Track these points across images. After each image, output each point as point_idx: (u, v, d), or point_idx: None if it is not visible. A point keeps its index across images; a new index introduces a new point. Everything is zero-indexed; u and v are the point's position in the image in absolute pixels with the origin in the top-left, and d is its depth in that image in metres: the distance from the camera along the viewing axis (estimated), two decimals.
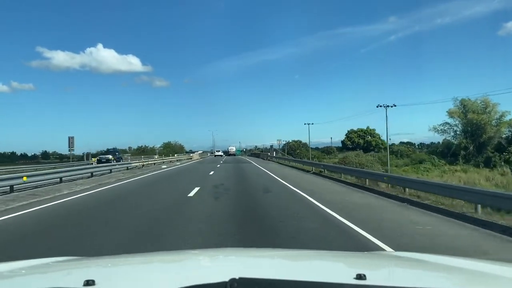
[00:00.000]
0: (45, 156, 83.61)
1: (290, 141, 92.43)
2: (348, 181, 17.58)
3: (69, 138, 33.30)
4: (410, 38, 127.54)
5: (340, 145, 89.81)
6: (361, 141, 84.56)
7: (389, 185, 14.21)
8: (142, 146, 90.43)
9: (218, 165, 35.00)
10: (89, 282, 1.21)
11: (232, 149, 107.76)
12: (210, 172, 25.41)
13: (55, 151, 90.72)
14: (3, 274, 1.64)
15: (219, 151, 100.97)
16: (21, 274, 1.70)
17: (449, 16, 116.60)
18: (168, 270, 1.74)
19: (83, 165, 32.97)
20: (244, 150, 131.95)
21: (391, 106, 41.51)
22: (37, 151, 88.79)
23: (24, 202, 10.86)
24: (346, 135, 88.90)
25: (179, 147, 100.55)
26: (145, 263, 2.00)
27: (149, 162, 37.55)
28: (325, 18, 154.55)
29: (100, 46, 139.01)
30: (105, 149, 47.91)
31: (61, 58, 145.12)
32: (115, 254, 3.39)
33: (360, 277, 1.25)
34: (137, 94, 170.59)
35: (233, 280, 1.06)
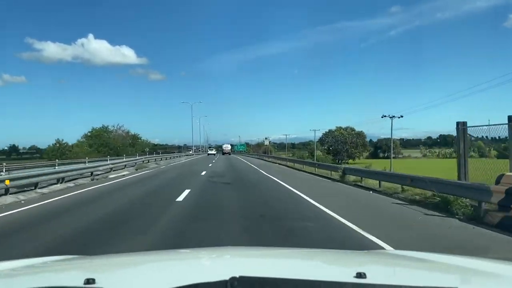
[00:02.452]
0: (14, 150, 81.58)
1: (334, 129, 62.55)
2: None
3: None
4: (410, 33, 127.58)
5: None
6: None
7: None
8: None
9: None
10: (89, 281, 1.21)
11: (227, 147, 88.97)
12: None
13: (33, 145, 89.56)
14: (2, 273, 1.64)
15: (212, 149, 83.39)
16: (21, 273, 1.70)
17: (449, 10, 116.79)
18: (168, 269, 1.74)
19: None
20: (249, 145, 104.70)
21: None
22: (25, 145, 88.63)
23: None
24: None
25: (123, 137, 49.38)
26: (145, 262, 2.01)
27: None
28: (325, 12, 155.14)
29: (91, 36, 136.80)
30: None
31: (52, 49, 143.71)
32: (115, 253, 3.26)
33: (360, 275, 1.25)
34: (132, 87, 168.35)
35: (233, 279, 1.06)
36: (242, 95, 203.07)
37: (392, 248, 5.48)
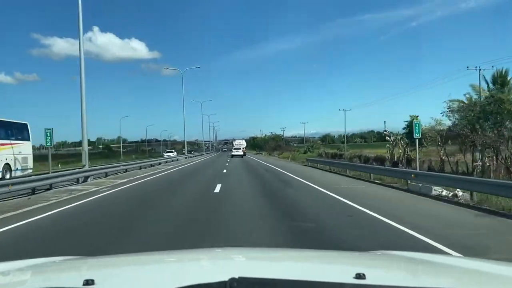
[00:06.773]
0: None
1: None
2: None
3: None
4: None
5: None
6: None
7: None
8: None
9: None
10: (88, 282, 1.21)
11: (241, 144, 61.35)
12: None
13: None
14: (2, 274, 1.64)
15: (238, 148, 54.36)
16: (20, 274, 1.70)
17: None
18: (167, 270, 1.73)
19: None
20: None
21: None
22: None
23: None
24: None
25: None
26: (144, 263, 2.01)
27: None
28: (340, 5, 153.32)
29: (96, 29, 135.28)
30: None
31: (60, 45, 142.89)
32: (115, 254, 3.34)
33: (359, 276, 1.24)
34: (145, 82, 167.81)
35: (233, 280, 1.05)
36: (258, 91, 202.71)
37: None
